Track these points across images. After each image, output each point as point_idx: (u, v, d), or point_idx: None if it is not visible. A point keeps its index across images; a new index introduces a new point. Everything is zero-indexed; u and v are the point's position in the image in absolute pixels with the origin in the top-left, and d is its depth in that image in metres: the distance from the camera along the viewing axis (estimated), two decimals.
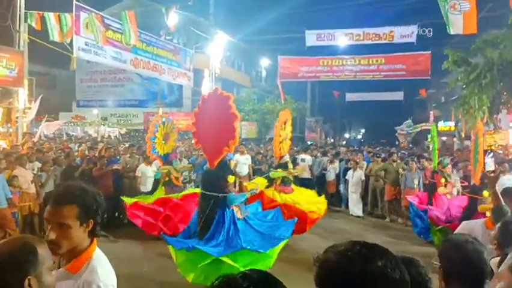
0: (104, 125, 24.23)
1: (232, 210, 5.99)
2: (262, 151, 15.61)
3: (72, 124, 24.17)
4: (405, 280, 1.08)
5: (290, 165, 9.08)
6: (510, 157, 13.94)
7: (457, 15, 10.39)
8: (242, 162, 12.24)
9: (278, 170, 8.89)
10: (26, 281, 1.39)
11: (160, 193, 8.84)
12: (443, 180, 9.00)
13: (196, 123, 6.39)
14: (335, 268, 1.08)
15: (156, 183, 9.30)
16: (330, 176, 13.34)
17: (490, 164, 3.07)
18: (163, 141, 9.30)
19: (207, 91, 22.88)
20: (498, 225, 2.58)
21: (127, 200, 8.56)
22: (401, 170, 11.76)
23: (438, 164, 9.53)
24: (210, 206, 5.88)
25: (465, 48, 16.63)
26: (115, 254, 7.20)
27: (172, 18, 18.76)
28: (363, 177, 12.57)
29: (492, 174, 3.00)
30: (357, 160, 13.20)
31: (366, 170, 12.76)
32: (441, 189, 8.92)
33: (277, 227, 6.54)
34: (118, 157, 11.14)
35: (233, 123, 5.76)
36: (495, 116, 19.31)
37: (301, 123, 40.90)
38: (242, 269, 4.03)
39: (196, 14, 22.42)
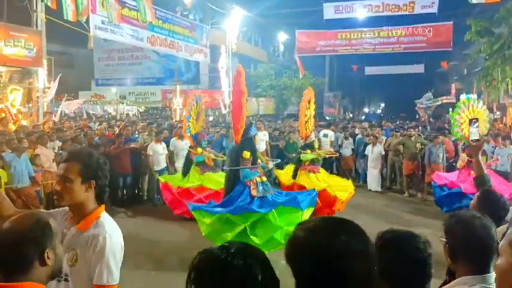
0: (123, 103, 24.45)
1: (249, 186, 6.09)
2: (279, 127, 15.54)
3: (92, 103, 24.47)
4: (371, 252, 1.11)
5: (316, 144, 9.07)
6: None
7: None
8: (260, 139, 12.18)
9: (307, 150, 8.88)
10: (45, 254, 1.48)
11: (195, 173, 8.74)
12: (462, 154, 8.79)
13: (233, 99, 6.83)
14: (302, 244, 1.11)
15: (189, 162, 8.97)
16: (347, 152, 13.23)
17: (475, 133, 3.04)
18: (195, 121, 9.21)
19: (223, 67, 22.94)
20: (478, 193, 2.58)
21: (161, 178, 8.81)
22: (418, 145, 11.59)
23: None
24: (230, 181, 6.12)
25: (488, 18, 16.07)
26: (133, 230, 7.48)
27: None
28: (383, 152, 12.45)
29: (475, 144, 2.94)
30: (377, 135, 13.06)
31: (385, 144, 12.63)
32: (459, 163, 8.78)
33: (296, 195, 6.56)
34: (137, 135, 11.27)
35: (241, 98, 5.98)
36: None
37: (319, 99, 40.24)
38: (248, 232, 5.17)
39: None
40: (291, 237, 1.16)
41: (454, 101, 36.03)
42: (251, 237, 5.51)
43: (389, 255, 1.46)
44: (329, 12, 21.37)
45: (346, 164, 13.27)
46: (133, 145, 9.88)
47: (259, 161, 6.59)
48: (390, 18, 22.07)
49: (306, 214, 6.05)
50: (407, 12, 20.73)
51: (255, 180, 6.31)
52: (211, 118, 21.39)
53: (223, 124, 15.43)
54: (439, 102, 40.18)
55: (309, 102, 9.02)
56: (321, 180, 8.56)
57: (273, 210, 5.76)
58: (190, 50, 18.48)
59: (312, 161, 8.74)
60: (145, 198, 10.11)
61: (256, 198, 6.12)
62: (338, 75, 47.49)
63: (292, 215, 5.88)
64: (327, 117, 34.43)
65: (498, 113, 27.52)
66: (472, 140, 2.95)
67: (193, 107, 9.15)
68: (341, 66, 43.86)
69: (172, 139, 10.76)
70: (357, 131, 14.64)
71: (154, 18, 12.84)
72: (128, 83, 26.12)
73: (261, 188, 6.29)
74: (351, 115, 48.26)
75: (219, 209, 5.81)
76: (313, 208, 6.36)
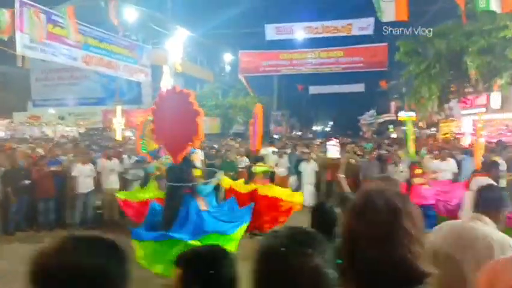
0: (61, 124, 23.61)
1: (196, 202, 6.19)
2: (216, 146, 15.51)
3: (28, 124, 23.43)
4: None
5: (267, 158, 9.44)
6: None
7: (389, 2, 10.59)
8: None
9: (258, 163, 9.05)
10: None
11: (153, 187, 8.94)
12: (419, 170, 9.05)
13: (154, 120, 6.56)
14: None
15: (147, 177, 9.37)
16: (282, 171, 13.28)
17: (332, 151, 3.16)
18: (151, 139, 9.43)
19: (166, 88, 22.68)
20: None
21: (120, 195, 8.89)
22: (352, 161, 11.93)
23: (416, 154, 9.74)
24: (176, 198, 6.16)
25: (416, 39, 17.02)
26: None
27: (129, 14, 18.49)
28: (317, 169, 12.69)
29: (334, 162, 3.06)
30: (310, 151, 13.31)
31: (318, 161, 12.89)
32: (416, 180, 8.94)
33: (235, 213, 6.80)
34: (64, 157, 10.84)
35: (195, 119, 5.91)
36: (446, 105, 19.91)
37: (266, 117, 40.99)
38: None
39: (154, 9, 22.03)
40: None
41: (394, 118, 37.77)
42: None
43: None
44: (271, 33, 21.80)
45: (282, 183, 13.32)
46: (54, 168, 9.47)
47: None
48: (330, 39, 22.82)
49: (240, 232, 6.23)
50: (345, 34, 21.50)
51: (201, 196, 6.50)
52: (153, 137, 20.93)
53: None
54: (381, 120, 41.96)
55: (257, 117, 9.47)
56: (276, 191, 8.74)
57: (231, 234, 5.97)
58: (129, 70, 18.17)
59: (265, 174, 9.08)
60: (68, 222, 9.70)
61: (203, 212, 6.18)
62: (285, 94, 48.43)
63: (223, 238, 5.96)
64: (275, 136, 34.88)
65: (433, 129, 28.99)
66: (331, 158, 3.06)
67: (147, 127, 9.31)
68: (288, 86, 44.82)
69: (99, 160, 10.52)
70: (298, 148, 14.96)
71: (78, 36, 12.49)
72: (68, 103, 25.29)
73: (207, 200, 6.54)
74: (299, 133, 49.23)
75: (179, 235, 5.66)
76: (246, 225, 6.46)
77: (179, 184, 6.15)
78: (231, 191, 8.78)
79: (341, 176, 2.97)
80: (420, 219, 1.27)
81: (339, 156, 3.00)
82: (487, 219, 2.59)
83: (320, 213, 2.79)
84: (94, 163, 10.45)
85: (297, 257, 1.21)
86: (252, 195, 8.33)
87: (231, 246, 5.84)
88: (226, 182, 9.23)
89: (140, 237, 5.78)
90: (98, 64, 16.16)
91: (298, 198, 8.76)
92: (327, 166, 12.53)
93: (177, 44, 22.03)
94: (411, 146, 9.71)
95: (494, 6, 10.04)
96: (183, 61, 24.16)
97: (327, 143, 3.39)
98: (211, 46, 28.82)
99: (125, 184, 10.95)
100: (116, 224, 10.26)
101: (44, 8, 12.51)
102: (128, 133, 23.30)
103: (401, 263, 1.19)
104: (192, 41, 24.89)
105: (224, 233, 5.96)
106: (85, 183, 9.45)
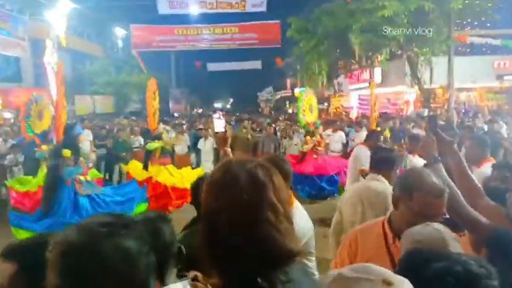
0: None
1: (73, 186, 5.87)
2: (107, 125, 14.70)
3: None
4: None
5: (165, 136, 8.81)
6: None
7: None
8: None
9: (155, 141, 8.50)
10: None
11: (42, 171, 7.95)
12: (307, 137, 9.38)
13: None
14: None
15: (37, 163, 8.27)
16: (181, 149, 13.06)
17: (218, 126, 3.06)
18: (38, 119, 8.56)
19: (50, 63, 20.79)
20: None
21: (9, 183, 7.95)
22: (248, 136, 12.09)
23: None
24: (49, 180, 5.92)
25: (306, 17, 17.64)
26: None
27: None
28: (215, 145, 12.67)
29: (220, 135, 3.02)
30: (209, 128, 13.21)
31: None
32: (305, 147, 9.30)
33: (129, 194, 6.49)
34: None
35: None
36: (336, 80, 21.13)
37: (165, 95, 39.85)
38: None
39: None
40: None
41: (289, 94, 39.22)
42: None
43: None
44: (164, 6, 21.04)
45: (181, 161, 13.09)
46: None
47: (82, 159, 6.28)
48: (225, 16, 22.70)
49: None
50: (239, 10, 21.52)
51: (78, 179, 6.05)
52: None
53: None
54: (278, 96, 43.31)
55: (154, 93, 8.76)
56: (173, 173, 8.34)
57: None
58: (1, 43, 16.24)
59: (163, 152, 8.53)
60: None
61: (81, 197, 5.88)
62: (184, 71, 47.47)
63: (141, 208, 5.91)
64: (175, 114, 34.12)
65: (326, 104, 30.64)
66: (216, 132, 2.97)
67: (32, 107, 8.48)
68: (186, 63, 43.92)
69: None
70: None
71: None
72: None
73: (85, 186, 6.08)
74: (200, 110, 48.82)
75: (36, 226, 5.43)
76: (145, 204, 6.28)
77: (51, 164, 5.98)
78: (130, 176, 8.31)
79: (228, 149, 2.85)
80: (286, 192, 1.16)
81: (223, 130, 2.95)
82: (381, 177, 2.99)
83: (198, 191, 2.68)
84: None
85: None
86: (148, 182, 7.90)
87: None
88: (130, 165, 8.85)
89: (19, 224, 5.52)
90: None
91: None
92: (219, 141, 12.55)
93: (59, 15, 20.19)
94: (304, 118, 10.03)
95: None
96: (68, 35, 22.27)
97: (214, 115, 3.35)
98: (100, 19, 26.95)
99: (1, 170, 9.89)
100: None
101: None
102: (7, 114, 21.01)
103: (268, 242, 1.07)
104: (77, 13, 23.01)
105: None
106: None
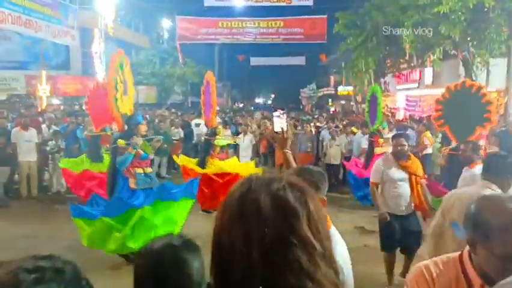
0: None
1: (127, 179, 5.76)
2: (147, 116, 14.77)
3: None
4: None
5: (221, 131, 8.73)
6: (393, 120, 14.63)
7: None
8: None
9: (217, 137, 8.44)
10: None
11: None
12: (381, 140, 8.81)
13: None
14: None
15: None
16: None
17: (278, 124, 2.71)
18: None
19: (97, 52, 21.26)
20: None
21: (61, 164, 8.68)
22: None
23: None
24: (109, 169, 5.95)
25: (355, 12, 16.97)
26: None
27: None
28: (254, 141, 12.47)
29: (279, 135, 2.68)
30: (249, 123, 13.01)
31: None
32: (378, 149, 8.71)
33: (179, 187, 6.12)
34: None
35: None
36: (383, 79, 20.29)
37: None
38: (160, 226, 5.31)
39: None
40: None
41: (333, 92, 38.37)
42: (128, 243, 5.16)
43: None
44: None
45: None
46: None
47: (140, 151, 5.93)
48: (270, 9, 22.33)
49: (184, 206, 5.71)
50: (285, 4, 21.09)
51: (132, 171, 5.81)
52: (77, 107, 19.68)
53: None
54: (321, 94, 42.52)
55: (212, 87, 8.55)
56: (232, 166, 8.22)
57: (150, 206, 5.39)
58: (52, 31, 16.64)
59: (221, 148, 8.51)
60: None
61: (138, 191, 5.70)
62: (227, 65, 47.54)
63: (168, 210, 5.54)
64: (216, 108, 34.20)
65: None
66: (275, 132, 2.62)
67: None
68: (229, 57, 43.95)
69: (14, 129, 9.61)
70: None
71: None
72: None
73: (142, 180, 5.82)
74: (241, 105, 48.81)
75: (97, 212, 5.30)
76: (192, 200, 5.92)
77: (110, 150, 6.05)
78: (190, 172, 7.98)
79: (288, 151, 2.54)
80: (324, 221, 0.86)
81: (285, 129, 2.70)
82: (495, 187, 2.76)
83: None
84: (8, 133, 9.56)
85: None
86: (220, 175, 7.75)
87: (181, 217, 5.59)
88: (183, 159, 8.73)
89: (86, 214, 5.27)
90: (15, 23, 14.58)
91: (253, 169, 8.41)
92: (262, 138, 12.33)
93: (108, 5, 20.54)
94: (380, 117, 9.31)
95: None
96: (116, 25, 22.67)
97: (274, 113, 3.02)
98: (148, 10, 27.28)
99: (43, 156, 10.07)
100: (35, 200, 9.48)
101: None
102: (55, 101, 21.65)
103: None
104: (126, 3, 23.35)
105: (173, 199, 5.55)
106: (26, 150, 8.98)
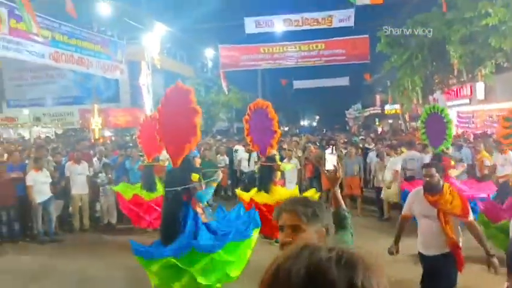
0: (37, 125, 22.80)
1: (194, 212, 5.48)
2: None
3: (2, 126, 22.57)
4: None
5: (277, 159, 8.58)
6: None
7: None
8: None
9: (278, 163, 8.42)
10: None
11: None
12: (452, 162, 8.28)
13: (159, 119, 6.01)
14: None
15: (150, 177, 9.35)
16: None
17: (330, 161, 2.56)
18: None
19: (144, 84, 22.09)
20: None
21: (116, 188, 9.35)
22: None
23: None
24: (174, 205, 5.46)
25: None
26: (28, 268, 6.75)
27: (102, 8, 17.78)
28: (299, 166, 12.27)
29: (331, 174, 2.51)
30: (293, 149, 12.85)
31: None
32: (452, 171, 8.02)
33: (234, 223, 5.93)
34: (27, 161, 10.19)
35: (194, 118, 5.47)
36: (431, 96, 19.59)
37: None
38: (196, 275, 4.81)
39: (130, 3, 21.28)
40: None
41: (379, 111, 37.53)
42: (199, 279, 4.95)
43: None
44: (250, 26, 21.22)
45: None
46: (14, 175, 8.80)
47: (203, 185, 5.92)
48: (311, 32, 22.34)
49: (254, 237, 5.59)
50: (325, 26, 21.04)
51: (201, 205, 5.73)
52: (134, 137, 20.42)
53: None
54: (367, 113, 41.73)
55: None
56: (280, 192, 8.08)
57: (220, 250, 5.11)
58: (102, 67, 17.49)
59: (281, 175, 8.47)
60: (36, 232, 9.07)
61: (203, 226, 5.54)
62: (270, 89, 47.91)
63: (242, 246, 5.36)
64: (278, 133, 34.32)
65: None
66: (327, 170, 2.45)
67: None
68: (272, 81, 44.34)
69: (67, 163, 9.99)
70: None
71: (39, 29, 11.76)
72: (43, 103, 24.41)
73: (208, 213, 5.84)
74: (286, 129, 48.77)
75: (160, 252, 5.13)
76: (258, 228, 5.76)
77: (173, 188, 5.47)
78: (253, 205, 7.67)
79: (337, 191, 2.42)
80: None
81: (334, 167, 2.52)
82: None
83: None
84: (62, 167, 9.97)
85: None
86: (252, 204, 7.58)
87: (219, 273, 5.19)
88: (246, 195, 8.34)
89: (149, 254, 5.14)
90: (69, 61, 15.47)
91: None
92: (307, 163, 12.13)
93: (154, 39, 21.36)
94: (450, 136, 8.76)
95: None
96: (162, 57, 23.49)
97: (326, 151, 2.83)
98: (191, 41, 28.16)
99: (94, 189, 10.39)
100: (87, 232, 9.75)
101: (5, 1, 11.79)
102: (107, 133, 22.59)
103: None
104: (171, 36, 24.22)
105: (243, 239, 5.35)
106: (40, 192, 8.74)
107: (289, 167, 8.67)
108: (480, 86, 16.96)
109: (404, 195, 8.75)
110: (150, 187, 9.12)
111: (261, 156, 8.61)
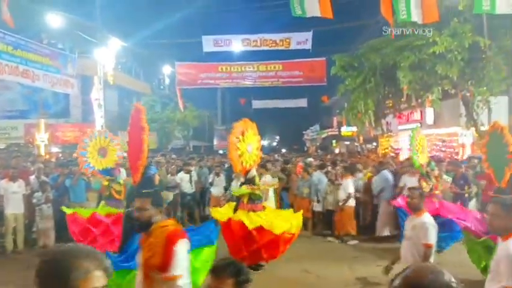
0: None
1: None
2: None
3: None
4: None
5: (257, 180, 8.17)
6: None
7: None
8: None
9: (243, 186, 7.94)
10: None
11: (102, 208, 8.69)
12: (424, 183, 8.64)
13: (128, 140, 6.50)
14: None
15: (100, 196, 9.26)
16: (217, 190, 12.43)
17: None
18: (99, 156, 9.26)
19: (97, 99, 21.36)
20: None
21: (67, 210, 8.48)
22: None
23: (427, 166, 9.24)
24: (126, 223, 5.81)
25: (351, 54, 16.95)
26: None
27: (53, 20, 17.12)
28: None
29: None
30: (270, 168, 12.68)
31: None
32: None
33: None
34: None
35: (142, 135, 5.83)
36: (385, 120, 20.04)
37: (210, 132, 40.14)
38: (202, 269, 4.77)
39: (83, 17, 20.65)
40: None
41: (336, 133, 38.17)
42: None
43: None
44: (208, 44, 21.07)
45: (215, 202, 12.42)
46: None
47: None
48: (269, 53, 22.50)
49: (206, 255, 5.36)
50: (283, 48, 21.22)
51: None
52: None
53: None
54: (325, 135, 42.36)
55: (242, 134, 8.13)
56: (262, 216, 7.61)
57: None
58: (51, 80, 16.71)
59: (251, 199, 7.83)
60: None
61: None
62: (230, 108, 47.87)
63: (205, 252, 5.31)
64: (220, 151, 34.01)
65: (374, 144, 29.34)
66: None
67: (89, 143, 9.22)
68: (232, 100, 44.36)
69: (1, 181, 9.35)
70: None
71: None
72: None
73: None
74: None
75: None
76: (211, 247, 5.51)
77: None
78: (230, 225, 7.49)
79: None
80: None
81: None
82: None
83: None
84: None
85: None
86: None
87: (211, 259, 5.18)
88: (220, 213, 7.97)
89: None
90: (13, 73, 14.65)
91: (298, 222, 7.82)
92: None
93: (108, 53, 20.78)
94: (417, 159, 9.01)
95: (415, 17, 9.88)
96: (116, 72, 22.87)
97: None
98: (148, 57, 27.72)
99: (30, 209, 9.72)
100: (21, 255, 9.04)
101: None
102: (54, 149, 21.55)
103: None
104: (126, 52, 23.72)
105: (207, 245, 5.34)
106: (13, 201, 9.00)
107: (241, 192, 8.37)
108: (429, 111, 17.50)
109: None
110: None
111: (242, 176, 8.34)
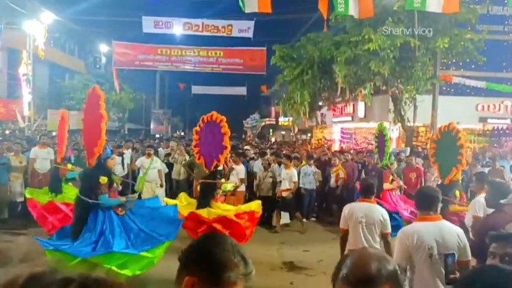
0: None
1: (109, 211, 5.84)
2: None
3: None
4: None
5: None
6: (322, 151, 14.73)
7: None
8: (42, 157, 10.58)
9: (222, 180, 8.12)
10: None
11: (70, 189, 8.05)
12: (390, 177, 8.91)
13: (83, 121, 6.65)
14: None
15: (57, 179, 8.51)
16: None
17: None
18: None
19: (25, 74, 20.07)
20: None
21: (27, 193, 8.17)
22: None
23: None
24: (81, 209, 5.84)
25: (291, 45, 17.30)
26: None
27: None
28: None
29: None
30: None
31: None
32: (386, 185, 8.79)
33: (162, 225, 6.04)
34: None
35: (101, 123, 5.82)
36: (320, 112, 20.74)
37: (146, 115, 39.21)
38: (116, 269, 5.08)
39: None
40: None
41: (274, 122, 38.86)
42: (122, 271, 5.20)
43: None
44: (149, 25, 20.45)
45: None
46: None
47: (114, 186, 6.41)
48: (210, 38, 22.28)
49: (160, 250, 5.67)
50: (225, 34, 21.11)
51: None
52: (7, 132, 18.36)
53: (18, 140, 12.82)
54: (263, 124, 42.99)
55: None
56: (222, 207, 7.61)
57: (144, 252, 5.45)
58: None
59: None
60: None
61: (118, 229, 5.75)
62: (169, 92, 46.97)
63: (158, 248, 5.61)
64: (156, 135, 33.31)
65: (309, 135, 30.24)
66: None
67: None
68: (171, 84, 43.51)
69: None
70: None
71: None
72: None
73: (124, 207, 6.11)
74: (182, 133, 48.05)
75: (76, 250, 5.31)
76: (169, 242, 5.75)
77: (82, 197, 5.77)
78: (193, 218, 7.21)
79: None
80: None
81: None
82: None
83: None
84: None
85: None
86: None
87: (143, 265, 5.43)
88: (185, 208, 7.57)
89: (41, 245, 5.15)
90: None
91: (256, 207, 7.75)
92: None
93: (40, 26, 19.53)
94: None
95: (352, 11, 10.30)
96: (48, 47, 21.60)
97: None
98: (83, 34, 26.41)
99: None
100: None
101: None
102: None
103: None
104: (60, 26, 22.42)
105: (128, 253, 5.45)
106: None
107: (231, 186, 8.45)
108: (361, 105, 18.36)
109: None
110: (56, 189, 8.24)
111: (206, 170, 8.05)
